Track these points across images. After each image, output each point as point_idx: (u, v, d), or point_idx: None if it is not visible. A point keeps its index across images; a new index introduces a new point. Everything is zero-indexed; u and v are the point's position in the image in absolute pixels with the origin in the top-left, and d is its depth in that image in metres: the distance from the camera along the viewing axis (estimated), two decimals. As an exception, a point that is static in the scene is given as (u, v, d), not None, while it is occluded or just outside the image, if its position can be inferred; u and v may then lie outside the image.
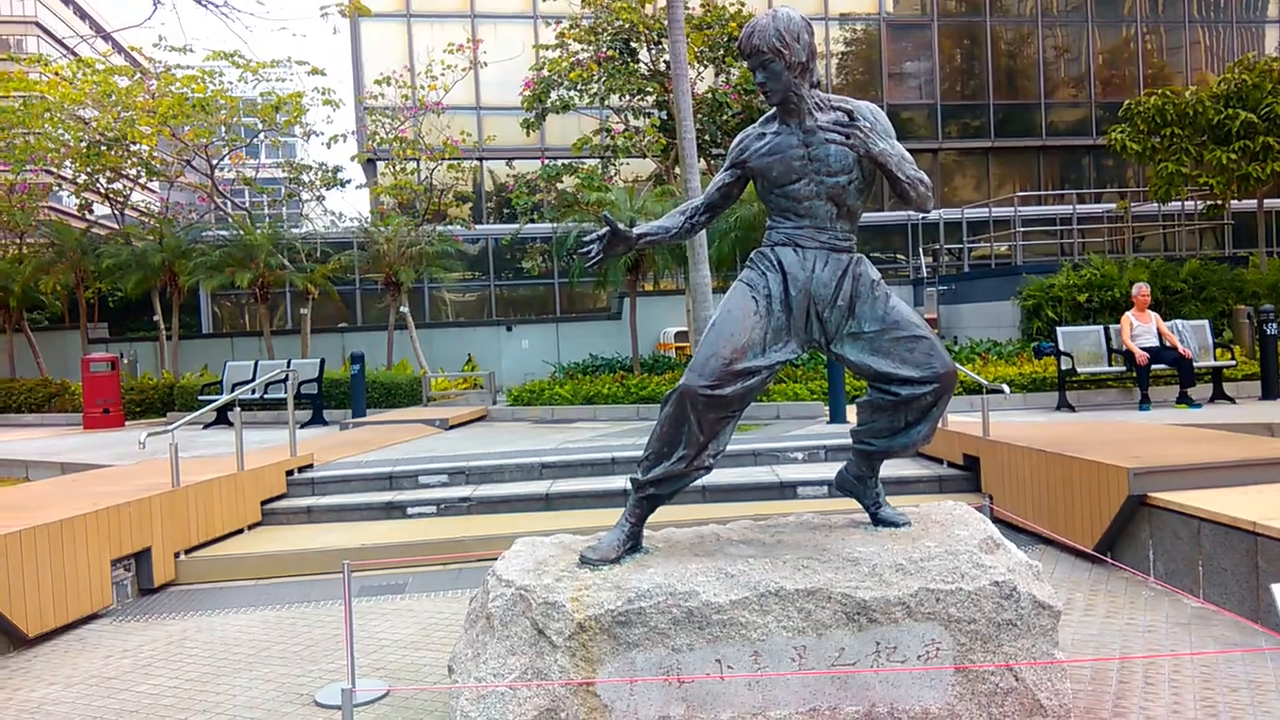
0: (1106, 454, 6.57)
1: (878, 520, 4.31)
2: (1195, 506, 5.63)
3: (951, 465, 8.66)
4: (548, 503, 8.49)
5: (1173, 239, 24.25)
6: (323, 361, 16.12)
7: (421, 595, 6.59)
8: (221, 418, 15.23)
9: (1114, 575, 6.21)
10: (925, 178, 3.93)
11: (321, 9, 16.04)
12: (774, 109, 4.09)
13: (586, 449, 10.07)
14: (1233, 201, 17.40)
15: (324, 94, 20.32)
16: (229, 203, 22.80)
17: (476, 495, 8.60)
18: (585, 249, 4.12)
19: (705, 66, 17.96)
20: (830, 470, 8.87)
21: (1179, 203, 19.89)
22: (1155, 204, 18.23)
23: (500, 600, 3.77)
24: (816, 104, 4.03)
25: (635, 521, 4.06)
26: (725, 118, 17.39)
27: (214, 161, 21.29)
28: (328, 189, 21.60)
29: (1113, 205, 22.53)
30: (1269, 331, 11.51)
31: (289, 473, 8.98)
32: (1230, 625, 5.19)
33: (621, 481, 8.74)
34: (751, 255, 4.16)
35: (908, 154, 3.93)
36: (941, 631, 3.77)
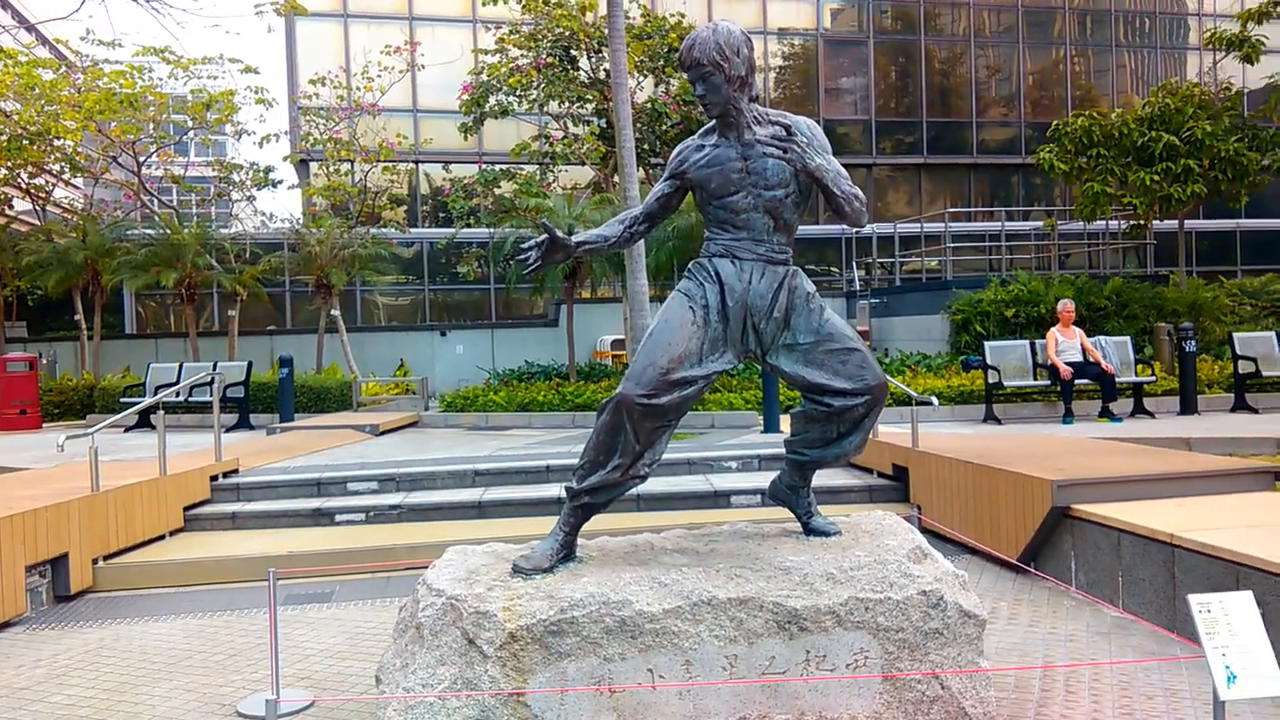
0: (1030, 466, 6.72)
1: (809, 529, 4.35)
2: (1115, 518, 5.78)
3: (881, 475, 8.78)
4: (480, 510, 8.42)
5: (1096, 257, 24.91)
6: (250, 364, 15.81)
7: (349, 604, 6.48)
8: (144, 421, 14.84)
9: (1037, 585, 6.34)
10: (860, 193, 3.99)
11: (256, 6, 15.77)
12: (713, 121, 4.13)
13: (521, 456, 10.01)
14: (1154, 222, 17.94)
15: (257, 92, 19.94)
16: (156, 201, 22.26)
17: (407, 502, 8.49)
18: (524, 255, 4.11)
19: (645, 76, 18.04)
20: (764, 479, 8.92)
21: (1103, 222, 20.45)
22: (1080, 222, 18.73)
23: (430, 610, 3.72)
24: (755, 118, 4.07)
25: (569, 530, 4.05)
26: (664, 128, 17.48)
27: (141, 158, 20.77)
28: (259, 189, 21.20)
29: (1040, 223, 23.07)
30: (1188, 349, 11.88)
31: (213, 478, 8.78)
32: (1148, 634, 5.33)
33: (556, 490, 8.70)
34: (689, 266, 4.18)
35: (843, 170, 3.99)
36: (870, 640, 3.82)
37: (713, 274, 4.06)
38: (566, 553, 4.04)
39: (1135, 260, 26.71)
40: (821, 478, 9.06)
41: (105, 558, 7.09)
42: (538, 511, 8.34)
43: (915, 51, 29.67)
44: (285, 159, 22.75)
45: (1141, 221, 17.34)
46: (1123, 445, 7.71)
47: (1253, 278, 21.00)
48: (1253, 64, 15.30)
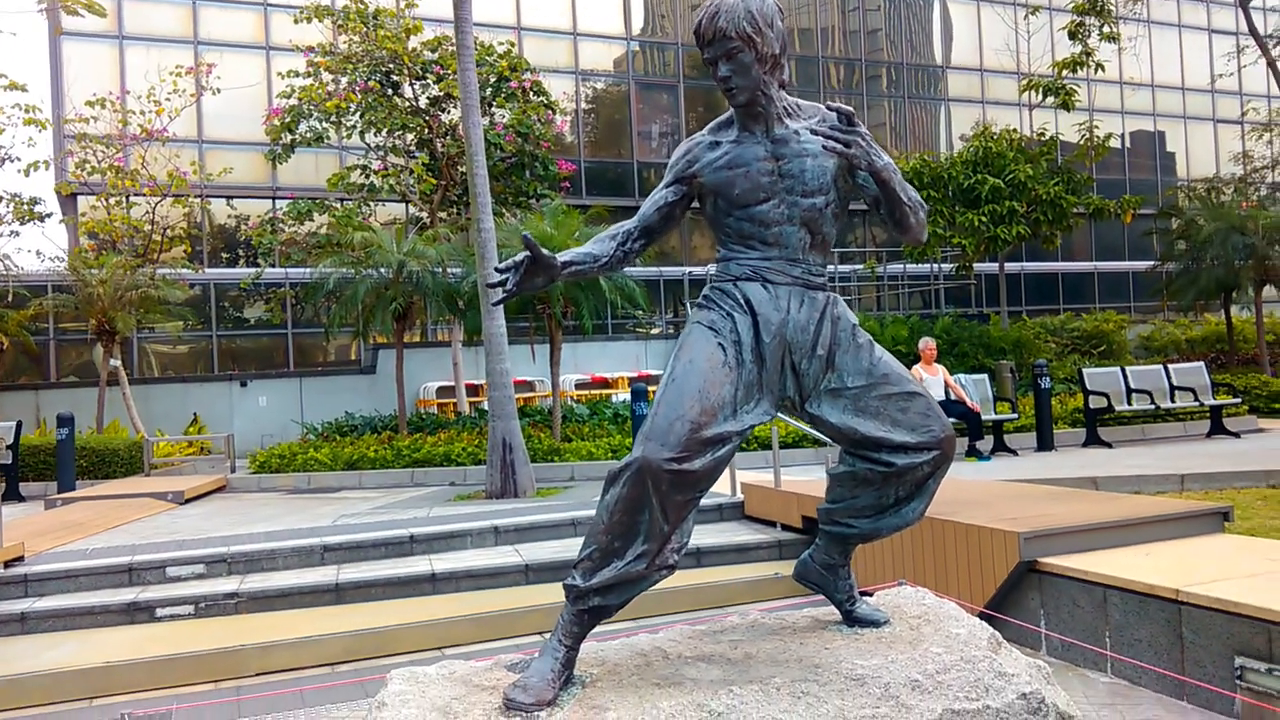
0: (981, 516, 6.17)
1: (853, 619, 3.51)
2: (1099, 572, 5.27)
3: (787, 528, 8.09)
4: (338, 594, 7.11)
5: (919, 297, 25.43)
6: (19, 424, 13.54)
7: (196, 730, 5.10)
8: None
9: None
10: (923, 202, 3.25)
11: (40, 4, 13.64)
12: (728, 113, 3.30)
13: (373, 525, 8.69)
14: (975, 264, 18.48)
15: (27, 111, 17.37)
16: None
17: (245, 589, 7.07)
18: (500, 282, 3.09)
19: (473, 107, 16.95)
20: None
21: (929, 264, 21.01)
22: (900, 265, 19.08)
23: (406, 780, 2.61)
24: (786, 108, 3.26)
25: (572, 644, 3.03)
26: (494, 161, 16.35)
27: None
28: (23, 223, 18.48)
29: (861, 265, 23.49)
30: (1043, 386, 11.93)
31: (-9, 569, 7.05)
32: (1154, 702, 4.80)
33: (425, 564, 7.53)
34: (706, 293, 3.30)
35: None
36: (969, 765, 3.00)
37: (741, 301, 3.19)
38: (569, 674, 3.02)
39: (944, 301, 27.71)
40: (722, 535, 8.33)
41: None
42: (408, 591, 7.18)
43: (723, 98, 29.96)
44: (55, 189, 20.10)
45: (967, 263, 17.76)
46: (1058, 490, 7.32)
47: (1052, 316, 22.09)
48: (1069, 110, 15.99)
